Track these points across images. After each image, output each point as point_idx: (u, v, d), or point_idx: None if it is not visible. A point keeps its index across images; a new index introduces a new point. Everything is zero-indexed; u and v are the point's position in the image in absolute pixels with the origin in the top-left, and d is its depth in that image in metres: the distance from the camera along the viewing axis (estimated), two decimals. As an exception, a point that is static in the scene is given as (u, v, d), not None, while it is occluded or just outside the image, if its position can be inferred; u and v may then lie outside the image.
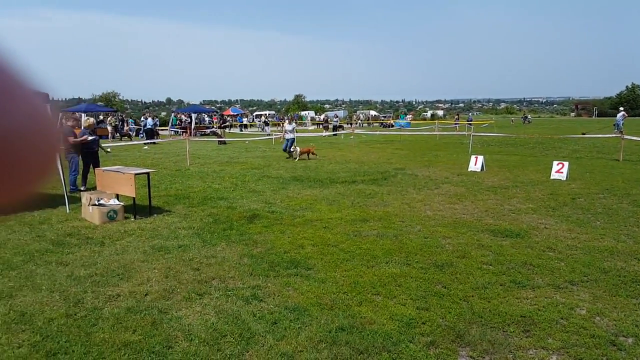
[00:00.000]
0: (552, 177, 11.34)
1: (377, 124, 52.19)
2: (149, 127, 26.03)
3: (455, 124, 39.69)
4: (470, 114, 58.54)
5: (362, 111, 75.47)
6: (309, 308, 4.24)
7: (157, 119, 31.55)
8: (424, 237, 6.46)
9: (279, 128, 37.97)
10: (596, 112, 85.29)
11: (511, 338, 3.73)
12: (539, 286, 4.74)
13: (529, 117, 67.40)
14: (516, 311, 4.16)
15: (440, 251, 5.87)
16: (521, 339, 3.71)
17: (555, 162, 11.72)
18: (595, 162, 15.00)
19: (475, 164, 13.19)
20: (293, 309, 4.21)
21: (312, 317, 4.06)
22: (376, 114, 71.16)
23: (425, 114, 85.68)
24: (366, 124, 52.80)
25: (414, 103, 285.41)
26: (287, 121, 19.02)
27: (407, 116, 61.64)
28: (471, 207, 8.36)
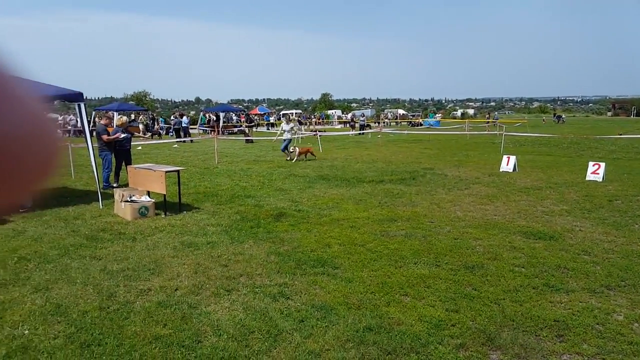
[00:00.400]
0: (587, 179, 11.01)
1: (405, 123, 51.70)
2: (185, 125, 26.81)
3: (488, 123, 38.89)
4: (495, 113, 57.20)
5: (390, 110, 74.93)
6: (336, 307, 4.23)
7: (186, 118, 32.07)
8: (454, 238, 6.37)
9: (306, 127, 38.11)
10: (635, 111, 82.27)
11: (544, 343, 3.63)
12: (574, 290, 4.60)
13: (563, 116, 65.59)
14: (549, 315, 4.06)
15: (470, 253, 5.77)
16: (554, 343, 3.61)
17: (591, 163, 11.37)
18: (634, 163, 14.50)
19: (507, 164, 12.91)
20: (320, 308, 4.21)
21: (339, 316, 4.05)
22: (404, 112, 70.55)
23: (455, 112, 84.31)
24: (394, 123, 52.39)
25: (443, 102, 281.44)
26: (284, 121, 18.64)
27: (437, 115, 60.75)
28: (503, 208, 8.20)
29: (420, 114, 71.17)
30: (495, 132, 24.39)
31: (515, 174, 12.28)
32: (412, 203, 8.67)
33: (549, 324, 3.91)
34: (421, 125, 45.21)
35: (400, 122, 54.51)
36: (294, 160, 15.43)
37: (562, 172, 12.52)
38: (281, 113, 65.01)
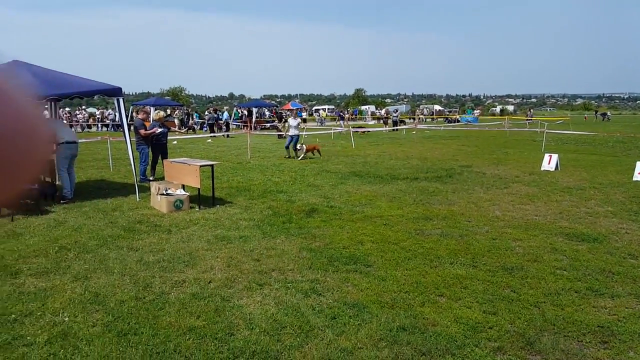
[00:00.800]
0: (634, 179, 10.53)
1: (442, 119, 50.89)
2: (227, 119, 27.70)
3: (528, 120, 37.74)
4: (529, 109, 55.36)
5: (425, 105, 73.87)
6: (368, 305, 4.16)
7: (220, 113, 32.62)
8: (492, 239, 6.19)
9: (337, 122, 37.98)
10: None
11: (587, 349, 3.48)
12: (619, 295, 4.39)
13: (609, 113, 63.04)
14: (593, 320, 3.88)
15: (509, 254, 5.60)
16: (598, 350, 3.45)
17: (639, 163, 10.86)
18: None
19: (549, 162, 12.50)
20: (352, 305, 4.16)
21: (372, 315, 3.98)
22: (441, 108, 69.41)
23: (494, 109, 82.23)
24: (430, 119, 51.65)
25: (481, 97, 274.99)
26: (291, 116, 17.20)
27: (475, 111, 59.41)
28: (544, 209, 7.93)
29: (458, 110, 69.82)
30: (536, 130, 23.63)
31: (557, 173, 11.87)
32: (448, 201, 8.49)
33: (593, 329, 3.74)
34: (458, 121, 44.34)
35: (436, 118, 53.65)
36: (300, 158, 14.89)
37: (608, 172, 12.02)
38: (313, 109, 65.10)
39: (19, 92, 0.39)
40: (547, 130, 19.19)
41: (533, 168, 12.68)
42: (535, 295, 4.41)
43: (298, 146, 15.14)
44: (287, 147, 15.40)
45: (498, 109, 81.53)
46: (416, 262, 5.28)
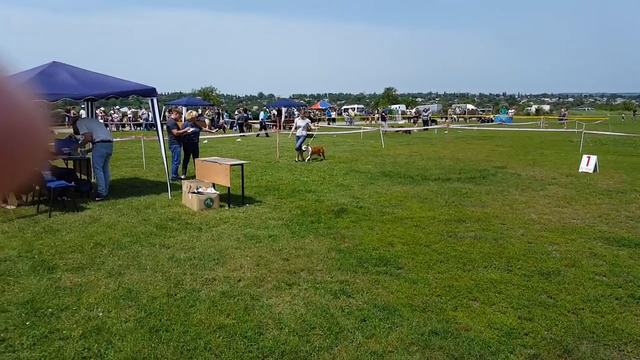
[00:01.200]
0: (677, 182, 10.06)
1: (475, 119, 49.96)
2: (263, 119, 28.35)
3: (564, 120, 36.58)
4: (562, 109, 53.70)
5: (457, 105, 72.68)
6: (399, 308, 4.09)
7: (249, 112, 33.07)
8: (528, 242, 6.01)
9: (372, 122, 37.74)
10: None
11: (628, 359, 3.32)
12: (664, 304, 4.18)
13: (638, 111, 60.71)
14: (635, 329, 3.71)
15: (546, 258, 5.43)
16: (641, 361, 3.29)
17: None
18: None
19: (587, 164, 12.07)
20: (383, 308, 4.10)
21: (402, 318, 3.91)
22: (473, 107, 68.18)
23: (529, 108, 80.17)
24: (462, 119, 50.77)
25: (516, 97, 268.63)
26: (299, 116, 16.29)
27: (509, 111, 58.11)
28: (582, 212, 7.66)
29: (491, 109, 68.47)
30: (574, 130, 22.92)
31: (596, 175, 11.46)
32: (482, 203, 8.30)
33: (635, 338, 3.58)
34: (492, 121, 43.44)
35: (469, 117, 52.70)
36: (307, 160, 14.25)
37: (649, 174, 11.53)
38: (342, 108, 64.94)
39: (16, 88, 0.39)
40: (585, 131, 18.56)
41: (570, 170, 12.30)
42: (573, 301, 4.26)
43: (304, 147, 14.45)
44: (297, 149, 14.58)
45: (533, 108, 79.43)
46: (448, 265, 5.18)
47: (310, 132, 15.36)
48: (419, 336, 3.62)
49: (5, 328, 3.68)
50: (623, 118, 54.92)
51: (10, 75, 0.39)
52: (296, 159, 14.41)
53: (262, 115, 32.01)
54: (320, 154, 14.98)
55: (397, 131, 28.59)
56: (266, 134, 26.53)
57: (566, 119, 35.73)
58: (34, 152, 0.41)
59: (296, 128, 14.80)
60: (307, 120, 15.93)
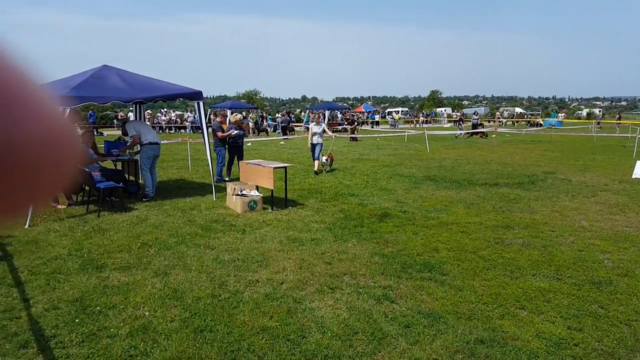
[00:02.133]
0: None
1: (524, 122, 48.45)
2: (307, 122, 28.79)
3: (618, 124, 34.93)
4: (597, 111, 51.14)
5: (505, 108, 70.75)
6: (444, 315, 4.00)
7: (292, 115, 33.32)
8: (578, 250, 5.76)
9: (416, 125, 37.14)
10: None
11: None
12: None
13: None
14: (696, 345, 3.48)
15: (597, 267, 5.19)
16: None
17: None
18: None
19: (642, 170, 11.50)
20: (427, 315, 4.01)
21: (447, 325, 3.82)
22: (522, 111, 66.24)
23: (580, 112, 77.07)
24: (510, 122, 49.33)
25: (566, 100, 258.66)
26: (313, 122, 13.62)
27: (559, 114, 56.09)
28: (636, 220, 7.28)
29: (541, 113, 66.26)
30: (627, 135, 21.86)
31: (651, 181, 10.88)
32: (530, 209, 8.02)
33: (694, 354, 3.36)
34: (541, 125, 42.01)
35: (517, 121, 51.12)
36: (325, 171, 12.77)
37: None
38: (386, 111, 64.46)
39: (49, 96, 0.39)
40: (639, 136, 17.65)
41: (623, 176, 11.75)
42: (625, 312, 4.08)
43: (323, 158, 12.74)
44: (315, 159, 12.69)
45: (584, 112, 76.28)
46: (495, 273, 5.02)
47: (328, 137, 13.61)
48: (464, 344, 3.52)
49: (56, 324, 3.82)
50: None
51: (42, 85, 0.39)
52: (315, 170, 12.58)
53: (305, 117, 32.22)
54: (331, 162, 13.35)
55: (473, 134, 27.78)
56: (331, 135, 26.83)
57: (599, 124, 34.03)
58: (67, 165, 0.41)
59: (312, 135, 12.83)
60: (324, 125, 13.73)
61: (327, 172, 12.67)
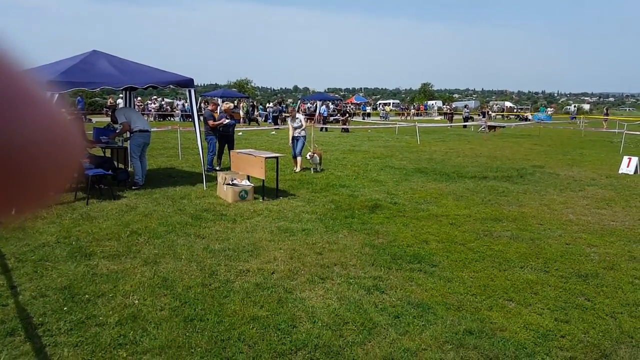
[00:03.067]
0: None
1: (513, 117, 48.75)
2: (322, 113, 28.57)
3: (606, 120, 35.22)
4: (605, 108, 51.61)
5: (495, 102, 71.11)
6: (433, 306, 4.04)
7: (284, 106, 33.11)
8: (566, 244, 5.84)
9: (407, 117, 37.17)
10: None
11: (672, 368, 3.18)
12: None
13: None
14: (679, 337, 3.55)
15: (584, 260, 5.27)
16: (688, 371, 3.14)
17: None
18: None
19: (628, 165, 11.65)
20: (417, 305, 4.05)
21: (437, 316, 3.86)
22: (511, 105, 66.66)
23: (568, 107, 77.70)
24: (500, 116, 49.62)
25: (555, 95, 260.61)
26: (289, 116, 11.87)
27: (548, 109, 56.52)
28: (622, 214, 7.39)
29: (530, 107, 66.73)
30: (615, 130, 22.10)
31: (637, 176, 11.05)
32: (519, 203, 8.10)
33: (678, 346, 3.43)
34: (528, 120, 42.28)
35: (508, 115, 51.40)
36: (315, 170, 11.10)
37: (697, 177, 11.01)
38: (378, 102, 64.44)
39: (51, 98, 0.40)
40: (626, 132, 17.87)
41: (610, 171, 11.90)
42: (611, 305, 4.16)
43: (308, 155, 11.01)
44: (296, 156, 11.28)
45: (573, 107, 76.93)
46: (484, 265, 5.07)
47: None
48: (453, 335, 3.57)
49: (44, 312, 3.79)
50: None
51: (43, 85, 0.39)
52: (296, 169, 11.19)
53: (323, 109, 31.56)
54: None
55: (493, 127, 27.35)
56: (326, 129, 26.33)
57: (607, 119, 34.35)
58: (69, 165, 0.41)
59: (294, 129, 11.25)
60: (301, 117, 11.75)
61: (315, 171, 11.01)
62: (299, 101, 41.84)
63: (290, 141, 11.37)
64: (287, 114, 12.22)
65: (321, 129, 25.81)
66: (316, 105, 35.70)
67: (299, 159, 11.22)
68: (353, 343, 3.42)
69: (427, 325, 3.72)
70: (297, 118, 11.41)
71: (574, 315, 3.93)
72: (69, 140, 0.41)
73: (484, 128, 26.79)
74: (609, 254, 5.50)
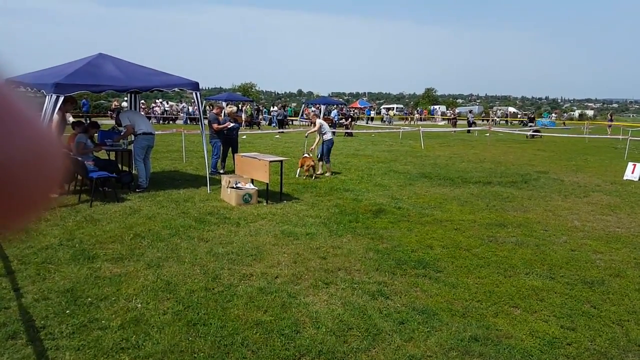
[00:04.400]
0: None
1: (517, 122, 48.68)
2: (333, 117, 28.52)
3: (610, 126, 35.05)
4: (609, 114, 51.47)
5: (499, 107, 71.02)
6: (438, 312, 4.00)
7: (286, 111, 33.16)
8: (571, 250, 5.80)
9: (410, 122, 37.13)
10: None
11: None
12: None
13: None
14: (687, 346, 3.51)
15: (589, 267, 5.23)
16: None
17: None
18: None
19: (633, 171, 11.63)
20: (421, 311, 4.01)
21: (442, 322, 3.83)
22: (515, 110, 66.55)
23: (572, 113, 77.51)
24: (503, 122, 49.54)
25: (559, 101, 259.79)
26: (318, 116, 12.43)
27: (551, 115, 56.42)
28: (627, 220, 7.34)
29: (534, 112, 66.64)
30: (619, 137, 22.02)
31: (642, 183, 10.98)
32: (523, 208, 8.06)
33: (687, 355, 3.39)
34: (527, 125, 42.21)
35: (511, 120, 51.30)
36: (306, 176, 10.64)
37: None
38: (382, 107, 64.42)
39: (33, 113, 0.39)
40: (630, 138, 17.79)
41: (615, 177, 11.85)
42: (617, 312, 4.12)
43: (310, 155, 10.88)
44: (325, 159, 11.16)
45: (577, 113, 76.74)
46: (489, 271, 5.03)
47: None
48: (458, 342, 3.53)
49: (46, 315, 3.77)
50: None
51: (27, 103, 0.38)
52: (314, 174, 10.66)
53: (333, 113, 31.69)
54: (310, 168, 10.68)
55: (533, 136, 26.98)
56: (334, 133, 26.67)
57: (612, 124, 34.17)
58: (48, 182, 0.40)
59: (324, 134, 11.26)
60: (320, 121, 11.74)
61: (306, 177, 10.58)
62: (303, 105, 41.81)
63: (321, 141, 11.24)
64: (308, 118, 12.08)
65: (333, 133, 25.74)
66: (329, 110, 35.59)
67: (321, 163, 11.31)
68: (357, 349, 3.39)
69: (432, 331, 3.68)
70: (319, 123, 11.38)
71: (580, 323, 3.90)
72: (51, 154, 0.40)
73: (530, 135, 26.00)
74: (615, 260, 5.46)
